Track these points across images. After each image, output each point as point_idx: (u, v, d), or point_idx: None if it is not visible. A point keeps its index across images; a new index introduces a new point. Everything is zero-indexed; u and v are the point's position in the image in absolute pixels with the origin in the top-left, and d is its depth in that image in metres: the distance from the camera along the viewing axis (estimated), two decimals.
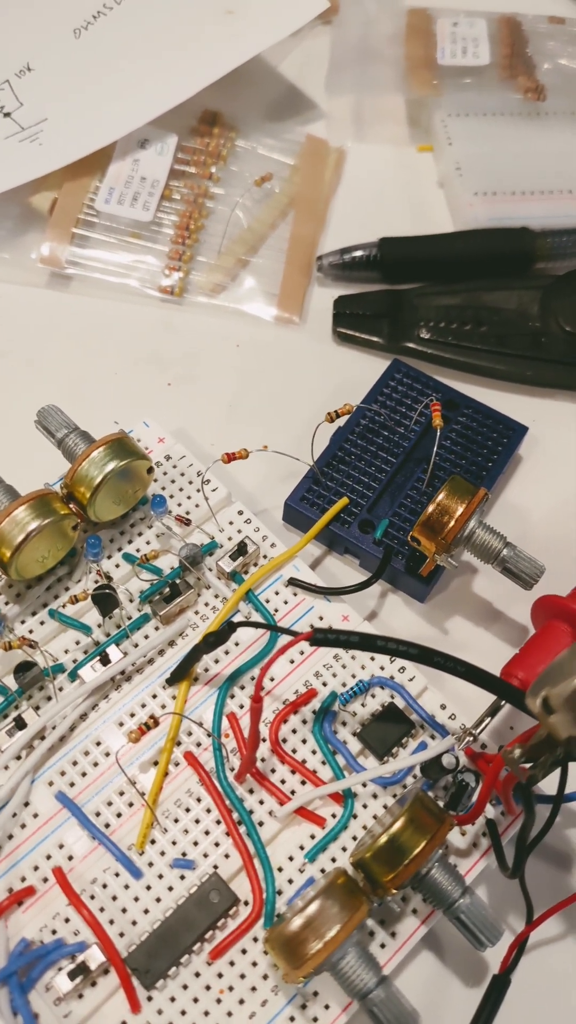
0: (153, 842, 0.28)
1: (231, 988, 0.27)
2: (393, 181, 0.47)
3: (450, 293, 0.41)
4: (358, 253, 0.42)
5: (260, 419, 0.39)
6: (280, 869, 0.28)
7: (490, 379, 0.40)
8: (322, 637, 0.26)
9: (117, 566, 0.33)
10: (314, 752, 0.30)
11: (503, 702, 0.29)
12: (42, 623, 0.32)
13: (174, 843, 0.28)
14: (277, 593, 0.33)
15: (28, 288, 0.42)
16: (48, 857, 0.28)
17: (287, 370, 0.40)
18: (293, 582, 0.33)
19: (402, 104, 0.48)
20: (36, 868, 0.28)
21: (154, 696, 0.31)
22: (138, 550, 0.33)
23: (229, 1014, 0.26)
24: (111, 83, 0.45)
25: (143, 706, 0.30)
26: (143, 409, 0.37)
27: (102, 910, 0.27)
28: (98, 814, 0.29)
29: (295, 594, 0.33)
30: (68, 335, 0.41)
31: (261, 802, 0.29)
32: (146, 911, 0.27)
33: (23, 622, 0.32)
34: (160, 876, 0.28)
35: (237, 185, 0.45)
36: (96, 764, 0.30)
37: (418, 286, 0.42)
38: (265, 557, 0.33)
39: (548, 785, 0.27)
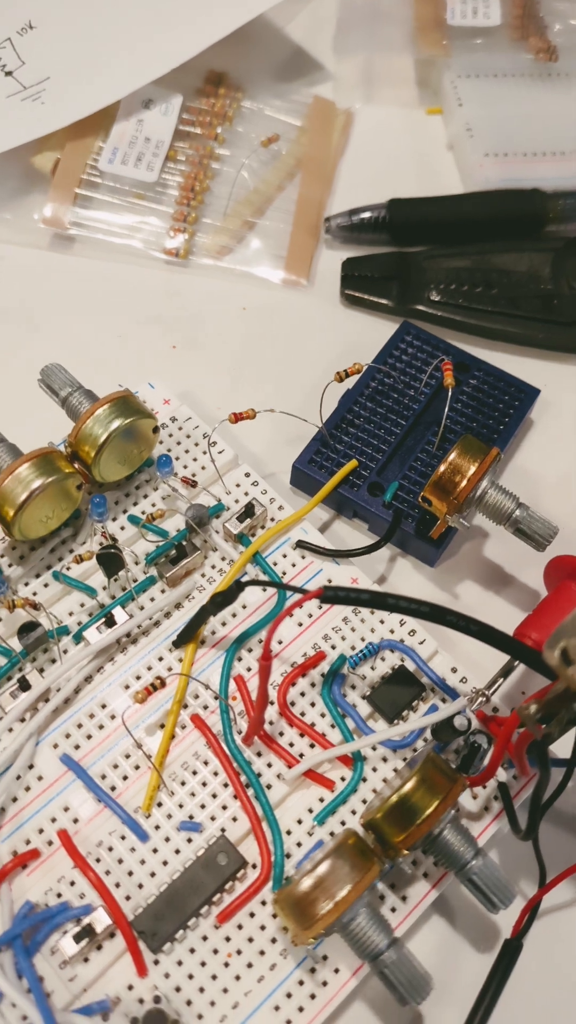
0: (160, 805, 0.28)
1: (239, 952, 0.26)
2: (402, 143, 0.46)
3: (460, 255, 0.40)
4: (367, 215, 0.41)
5: (267, 382, 0.38)
6: (288, 832, 0.28)
7: (501, 342, 0.39)
8: (333, 594, 0.25)
9: (122, 528, 0.32)
10: (323, 715, 0.29)
11: (516, 663, 0.28)
12: (46, 585, 0.31)
13: (181, 806, 0.28)
14: (285, 556, 0.32)
15: (30, 249, 0.41)
16: (53, 820, 0.28)
17: (294, 333, 0.40)
18: (301, 544, 0.32)
19: (411, 65, 0.48)
20: (41, 831, 0.28)
21: (160, 659, 0.30)
22: (143, 512, 0.32)
23: (237, 978, 0.26)
24: (114, 41, 0.44)
25: (149, 669, 0.30)
26: (148, 372, 0.36)
27: (108, 873, 0.27)
28: (104, 777, 0.28)
29: (303, 557, 0.32)
30: (71, 297, 0.40)
31: (269, 765, 0.29)
32: (152, 874, 0.27)
33: (26, 584, 0.31)
34: (167, 839, 0.27)
35: (243, 146, 0.44)
36: (101, 727, 0.29)
37: (427, 248, 0.41)
38: (272, 520, 0.33)
39: (562, 748, 0.26)
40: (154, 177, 0.42)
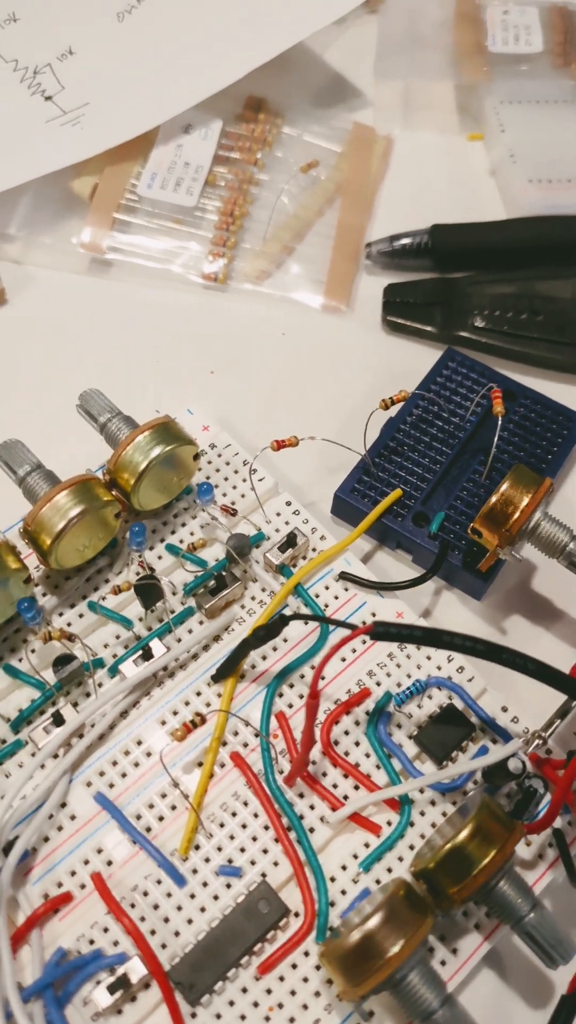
0: (197, 847, 0.27)
1: (280, 1005, 0.25)
2: (442, 169, 0.45)
3: (504, 281, 0.39)
4: (408, 240, 0.41)
5: (306, 409, 0.37)
6: (333, 879, 0.26)
7: (546, 369, 0.38)
8: (384, 631, 0.24)
9: (160, 558, 0.31)
10: (368, 755, 0.28)
11: (574, 703, 0.27)
12: (81, 616, 0.30)
13: (220, 849, 0.27)
14: (327, 588, 0.31)
15: (69, 274, 0.41)
16: (86, 862, 0.27)
17: (334, 359, 0.39)
18: (344, 576, 0.31)
19: (451, 91, 0.47)
20: (73, 874, 0.26)
21: (198, 693, 0.29)
22: (181, 541, 0.31)
23: None
24: (154, 67, 0.44)
25: (187, 704, 0.29)
26: (186, 398, 0.36)
27: (143, 919, 0.26)
28: (139, 817, 0.27)
29: (346, 589, 0.31)
30: (109, 322, 0.40)
31: (312, 807, 0.27)
32: (190, 921, 0.26)
33: (61, 614, 0.30)
34: (205, 884, 0.26)
35: (282, 172, 0.43)
36: (137, 764, 0.28)
37: (471, 274, 0.40)
38: (314, 550, 0.32)
39: None
40: (193, 202, 0.41)
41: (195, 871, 0.26)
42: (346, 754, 0.28)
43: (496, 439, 0.33)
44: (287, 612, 0.30)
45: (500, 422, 0.32)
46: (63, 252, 0.41)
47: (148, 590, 0.29)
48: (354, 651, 0.30)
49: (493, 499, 0.29)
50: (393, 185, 0.44)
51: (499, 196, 0.44)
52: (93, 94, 0.43)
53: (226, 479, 0.33)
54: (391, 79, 0.47)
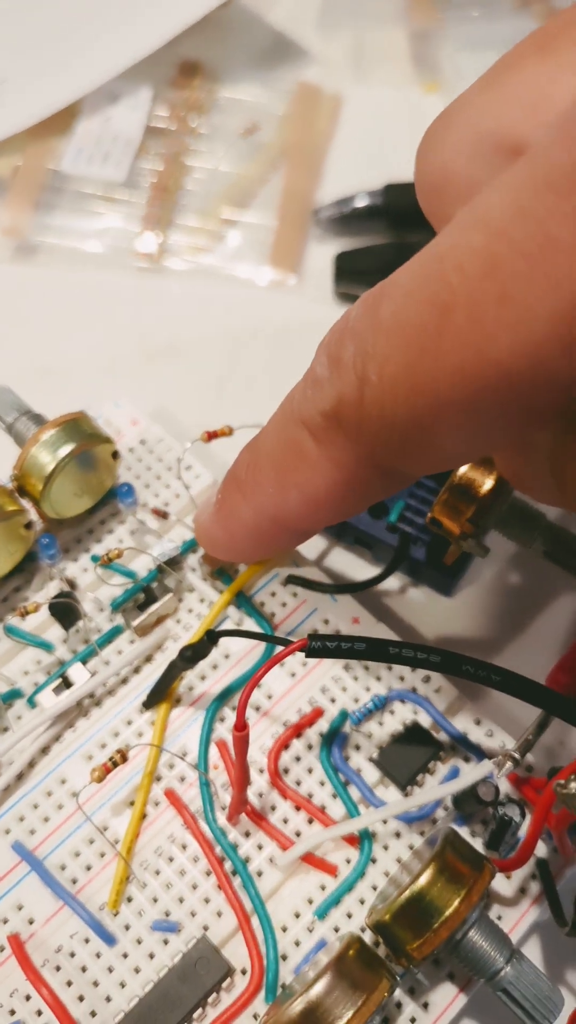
0: (130, 900, 0.23)
1: None
2: (397, 125, 0.41)
3: None
4: (360, 202, 0.37)
5: (254, 393, 0.34)
6: (284, 929, 0.23)
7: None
8: (320, 646, 0.21)
9: (85, 570, 0.28)
10: (322, 784, 0.25)
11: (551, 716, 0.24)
12: None
13: (155, 900, 0.23)
14: (274, 594, 0.28)
15: None
16: (4, 921, 0.23)
17: (284, 338, 0.35)
18: (292, 579, 0.27)
19: (404, 40, 0.43)
20: None
21: (129, 722, 0.26)
22: (108, 550, 0.28)
23: None
24: (74, 35, 0.40)
25: (116, 735, 0.25)
26: (122, 389, 0.32)
27: (69, 984, 0.23)
28: (63, 868, 0.24)
29: (295, 594, 0.28)
30: (36, 312, 0.36)
31: (260, 847, 0.24)
32: (123, 984, 0.22)
33: None
34: (139, 941, 0.23)
35: (221, 139, 0.40)
36: (61, 807, 0.25)
37: (429, 236, 0.36)
38: None
39: None
40: (123, 176, 0.38)
41: (127, 927, 0.23)
42: (297, 784, 0.25)
43: None
44: (229, 623, 0.27)
45: None
46: None
47: (64, 610, 0.26)
48: (304, 664, 0.26)
49: (449, 483, 0.25)
50: (344, 145, 0.41)
51: None
52: (10, 69, 0.40)
53: (159, 477, 0.30)
54: (338, 32, 0.44)
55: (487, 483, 0.25)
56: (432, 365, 0.16)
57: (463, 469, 0.26)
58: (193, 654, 0.23)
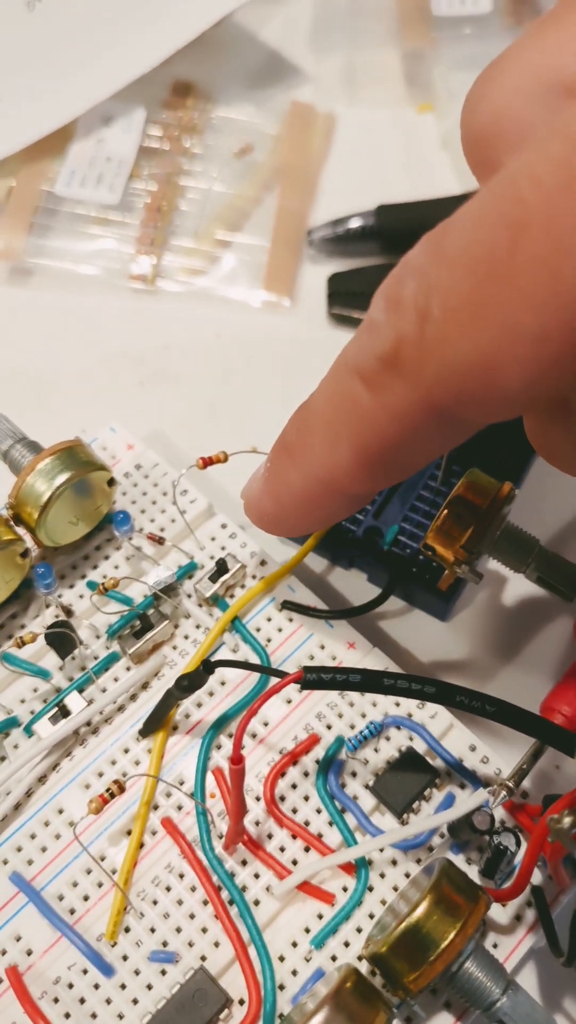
0: (127, 930, 0.23)
1: None
2: (391, 145, 0.41)
3: None
4: (353, 224, 0.37)
5: (248, 417, 0.34)
6: (282, 958, 0.23)
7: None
8: (315, 678, 0.21)
9: (81, 596, 0.28)
10: (319, 811, 0.25)
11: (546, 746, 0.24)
12: None
13: (152, 930, 0.23)
14: (270, 619, 0.28)
15: None
16: (3, 952, 0.23)
17: (277, 360, 0.35)
18: (287, 605, 0.28)
19: (396, 61, 0.43)
20: None
21: (126, 750, 0.26)
22: (104, 576, 0.28)
23: None
24: (68, 56, 0.40)
25: (113, 763, 0.26)
26: (115, 414, 0.32)
27: (68, 1016, 0.23)
28: (61, 898, 0.24)
29: (291, 619, 0.28)
30: (30, 336, 0.36)
31: (256, 876, 0.24)
32: (120, 1016, 0.23)
33: None
34: (136, 972, 0.23)
35: (215, 160, 0.40)
36: (58, 836, 0.25)
37: None
38: (254, 577, 0.28)
39: None
40: (117, 199, 0.38)
41: (125, 958, 0.23)
42: (294, 811, 0.25)
43: None
44: (225, 649, 0.27)
45: None
46: None
47: (60, 639, 0.26)
48: (300, 691, 0.26)
49: (445, 511, 0.25)
50: (337, 166, 0.41)
51: (453, 170, 0.40)
52: (3, 91, 0.40)
53: (154, 503, 0.30)
54: (331, 52, 0.44)
55: (481, 509, 0.26)
56: (501, 291, 0.15)
57: (456, 494, 0.26)
58: (189, 684, 0.23)
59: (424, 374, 0.17)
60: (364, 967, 0.22)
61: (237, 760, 0.21)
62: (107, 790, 0.23)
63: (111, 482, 0.27)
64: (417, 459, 0.20)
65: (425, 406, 0.17)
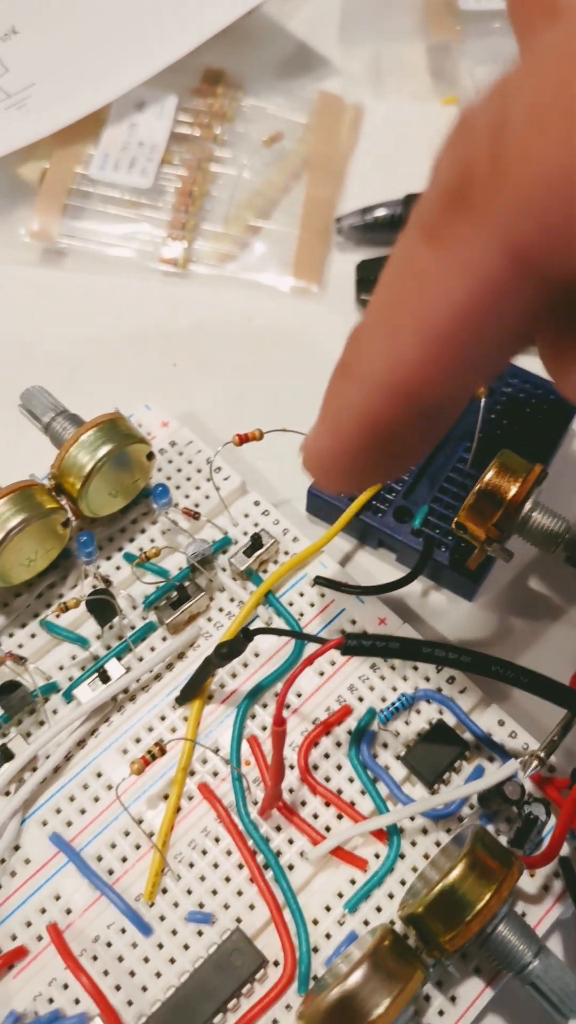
0: (165, 891, 0.24)
1: None
2: (416, 137, 0.42)
3: None
4: (381, 212, 0.38)
5: (278, 399, 0.35)
6: (315, 922, 0.24)
7: (534, 344, 0.35)
8: (356, 644, 0.22)
9: (118, 568, 0.28)
10: (351, 780, 0.25)
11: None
12: (33, 636, 0.27)
13: (189, 892, 0.24)
14: (302, 595, 0.28)
15: (18, 266, 0.38)
16: (43, 911, 0.24)
17: (306, 344, 0.36)
18: (319, 581, 0.28)
19: (423, 54, 0.44)
20: (28, 924, 0.24)
21: (163, 718, 0.26)
22: (140, 549, 0.29)
23: None
24: (102, 42, 0.41)
25: (150, 730, 0.26)
26: (147, 393, 0.33)
27: (106, 974, 0.23)
28: (100, 859, 0.24)
29: (322, 595, 0.28)
30: (63, 315, 0.37)
31: (291, 841, 0.25)
32: (158, 975, 0.23)
33: (11, 635, 0.27)
34: (174, 932, 0.24)
35: (245, 147, 0.40)
36: (97, 799, 0.25)
37: None
38: (287, 553, 0.29)
39: None
40: (149, 183, 0.38)
41: (162, 918, 0.24)
42: (327, 780, 0.25)
43: (479, 423, 0.30)
44: (259, 623, 0.28)
45: (483, 404, 0.30)
46: (11, 243, 0.38)
47: (101, 606, 0.26)
48: (333, 664, 0.27)
49: (477, 488, 0.26)
50: (364, 156, 0.41)
51: None
52: (39, 74, 0.40)
53: (188, 479, 0.30)
54: (358, 44, 0.44)
55: (513, 489, 0.26)
56: None
57: (489, 475, 0.26)
58: (228, 651, 0.24)
59: (500, 204, 0.14)
60: (398, 930, 0.23)
61: (280, 722, 0.21)
62: (148, 752, 0.23)
63: (150, 456, 0.28)
64: (494, 345, 0.16)
65: (502, 252, 0.14)
